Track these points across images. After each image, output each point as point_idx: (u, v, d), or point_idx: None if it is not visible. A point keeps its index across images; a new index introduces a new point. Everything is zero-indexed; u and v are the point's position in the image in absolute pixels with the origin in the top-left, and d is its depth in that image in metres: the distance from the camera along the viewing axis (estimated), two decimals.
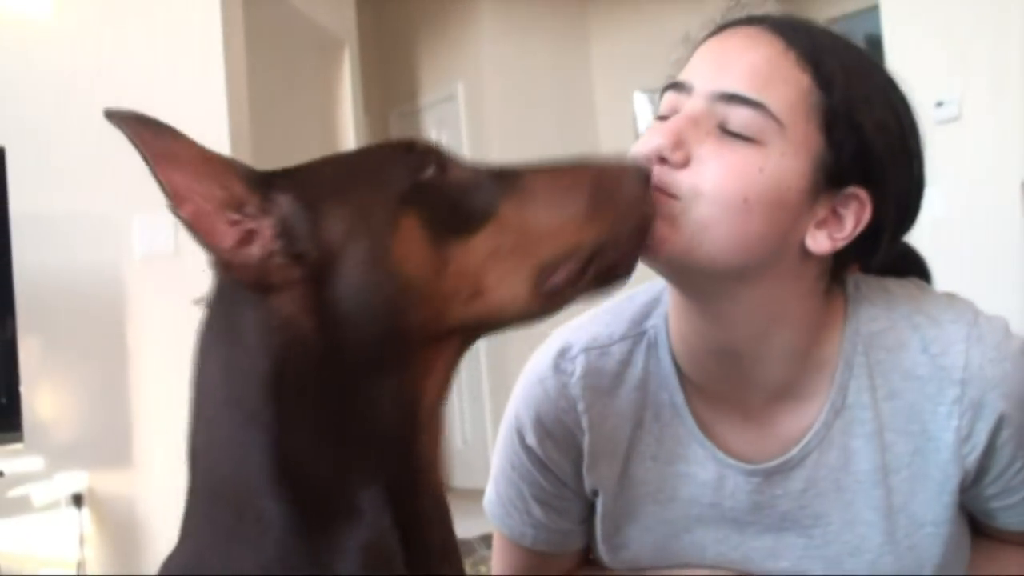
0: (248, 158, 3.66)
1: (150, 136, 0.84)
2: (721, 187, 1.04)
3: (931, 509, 1.18)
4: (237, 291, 0.87)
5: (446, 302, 0.88)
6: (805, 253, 1.10)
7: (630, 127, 6.61)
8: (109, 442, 3.35)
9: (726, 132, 1.06)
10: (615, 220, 0.96)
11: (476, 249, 0.89)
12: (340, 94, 5.48)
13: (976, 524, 1.26)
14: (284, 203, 0.87)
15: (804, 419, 1.19)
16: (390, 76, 7.28)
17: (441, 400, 0.92)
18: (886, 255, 1.16)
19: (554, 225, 0.93)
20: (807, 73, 1.07)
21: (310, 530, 0.84)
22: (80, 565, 3.18)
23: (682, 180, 1.05)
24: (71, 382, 3.34)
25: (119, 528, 3.31)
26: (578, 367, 1.24)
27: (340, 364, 0.85)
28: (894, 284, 1.22)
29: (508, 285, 0.90)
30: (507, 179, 0.94)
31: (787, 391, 1.18)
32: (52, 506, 3.18)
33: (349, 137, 5.37)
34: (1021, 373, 1.14)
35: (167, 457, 3.30)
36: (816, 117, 1.07)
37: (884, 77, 1.15)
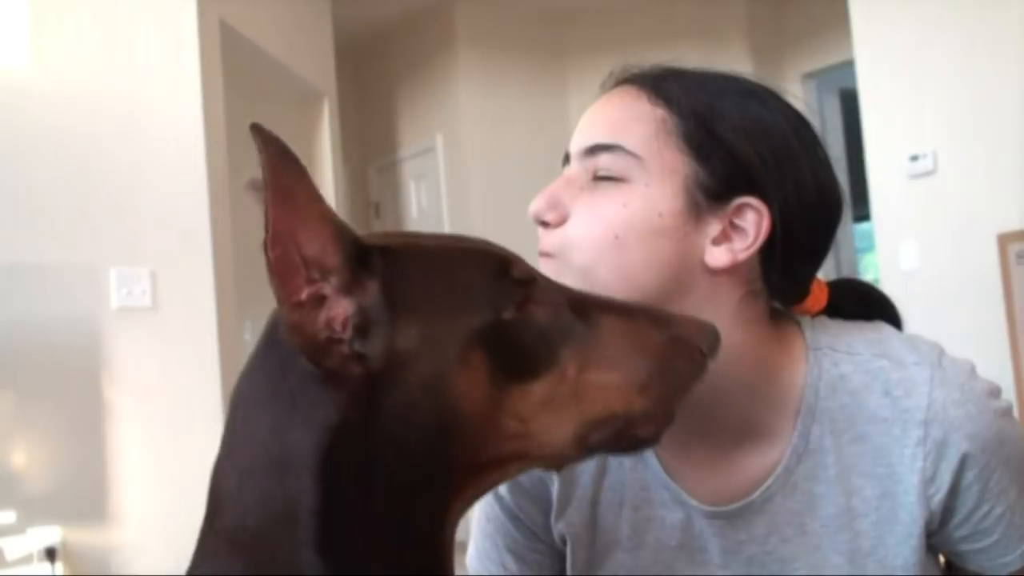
0: (227, 209, 3.67)
1: (281, 167, 0.80)
2: (589, 231, 1.10)
3: (900, 553, 1.18)
4: (293, 363, 0.85)
5: (491, 438, 0.87)
6: (712, 272, 1.11)
7: None
8: (83, 495, 3.32)
9: (595, 179, 1.13)
10: (669, 394, 0.95)
11: (532, 396, 0.88)
12: (319, 146, 5.50)
13: (950, 567, 1.26)
14: (370, 292, 0.85)
15: (767, 462, 1.19)
16: (369, 128, 7.31)
17: (464, 511, 0.93)
18: (812, 267, 1.20)
19: (610, 386, 0.92)
20: (659, 106, 1.13)
21: None
22: None
23: (555, 237, 1.13)
24: (45, 434, 3.31)
25: None
26: None
27: (383, 467, 0.85)
28: (856, 327, 1.23)
29: (553, 434, 0.90)
30: (580, 320, 0.93)
31: (750, 431, 1.19)
32: (25, 560, 3.14)
33: (328, 189, 5.38)
34: (985, 415, 1.15)
35: (142, 511, 3.28)
36: (676, 141, 1.11)
37: (745, 86, 1.18)
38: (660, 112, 1.13)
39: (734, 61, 6.59)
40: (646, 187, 1.10)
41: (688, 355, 0.95)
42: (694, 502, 1.21)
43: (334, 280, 0.84)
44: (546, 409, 0.89)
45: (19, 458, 3.24)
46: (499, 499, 1.28)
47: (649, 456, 1.22)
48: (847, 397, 1.17)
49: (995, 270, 3.80)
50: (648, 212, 1.09)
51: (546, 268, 1.10)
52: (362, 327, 0.84)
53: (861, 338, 1.21)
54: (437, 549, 0.89)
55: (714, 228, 1.11)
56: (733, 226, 1.11)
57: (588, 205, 1.11)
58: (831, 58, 6.05)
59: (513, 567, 1.32)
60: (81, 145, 3.37)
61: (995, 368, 1.12)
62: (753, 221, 1.11)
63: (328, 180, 5.43)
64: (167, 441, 3.27)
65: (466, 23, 6.57)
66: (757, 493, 1.19)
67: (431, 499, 0.87)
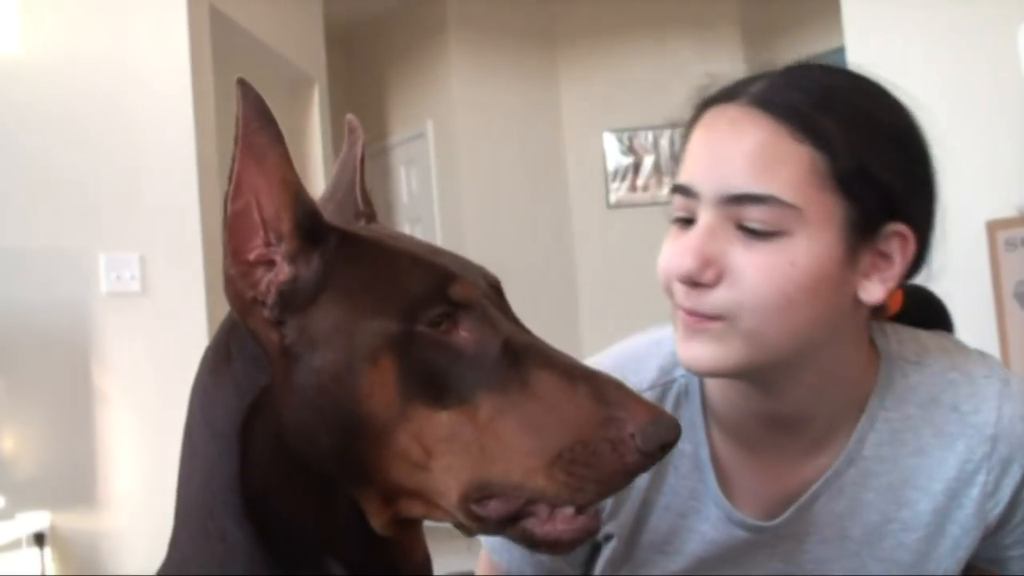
0: (215, 195, 3.66)
1: (257, 125, 0.83)
2: (761, 294, 1.02)
3: (940, 565, 1.19)
4: (239, 324, 0.88)
5: (397, 456, 0.83)
6: (856, 303, 1.08)
7: (599, 167, 6.64)
8: (72, 481, 3.31)
9: (746, 230, 1.03)
10: (583, 485, 0.81)
11: (437, 425, 0.82)
12: (310, 132, 5.49)
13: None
14: (311, 267, 0.86)
15: (821, 466, 1.18)
16: (360, 114, 7.22)
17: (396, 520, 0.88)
18: (915, 274, 1.14)
19: (516, 449, 0.81)
20: (804, 143, 1.03)
21: (276, 562, 0.87)
22: None
23: (720, 298, 1.03)
24: (34, 420, 3.30)
25: (81, 567, 3.26)
26: None
27: (296, 445, 0.86)
28: (927, 337, 1.21)
29: (449, 482, 0.83)
30: (510, 366, 0.83)
31: (816, 438, 1.17)
32: (13, 545, 3.14)
33: (319, 175, 5.37)
34: None
35: (131, 496, 3.28)
36: (829, 183, 1.03)
37: (881, 103, 1.10)
38: (807, 151, 1.02)
39: (725, 48, 6.58)
40: (808, 240, 1.02)
41: (619, 444, 0.80)
42: (742, 516, 1.19)
43: (283, 247, 0.85)
44: (449, 446, 0.82)
45: (8, 443, 3.23)
46: None
47: (706, 467, 1.20)
48: (914, 409, 1.16)
49: (984, 257, 3.80)
50: (815, 267, 1.02)
51: (700, 332, 1.05)
52: (288, 296, 0.85)
53: (930, 348, 1.19)
54: (379, 545, 0.87)
55: (865, 263, 1.06)
56: (879, 254, 1.07)
57: (752, 265, 1.02)
58: (821, 45, 6.04)
59: (544, 557, 1.28)
60: (70, 130, 3.35)
61: (963, 342, 1.14)
62: (898, 247, 1.07)
63: (318, 166, 5.42)
64: (156, 426, 3.26)
65: (457, 9, 6.55)
66: (805, 497, 1.18)
67: (347, 491, 0.86)
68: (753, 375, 1.10)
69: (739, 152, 1.04)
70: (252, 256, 0.85)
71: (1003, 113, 3.36)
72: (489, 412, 0.82)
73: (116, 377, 3.34)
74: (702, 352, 1.05)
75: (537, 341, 0.87)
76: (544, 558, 1.28)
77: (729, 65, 6.00)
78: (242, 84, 0.82)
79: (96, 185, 3.38)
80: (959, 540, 1.18)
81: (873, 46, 4.15)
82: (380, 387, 0.83)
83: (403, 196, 7.04)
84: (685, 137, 1.14)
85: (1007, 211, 3.72)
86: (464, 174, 6.47)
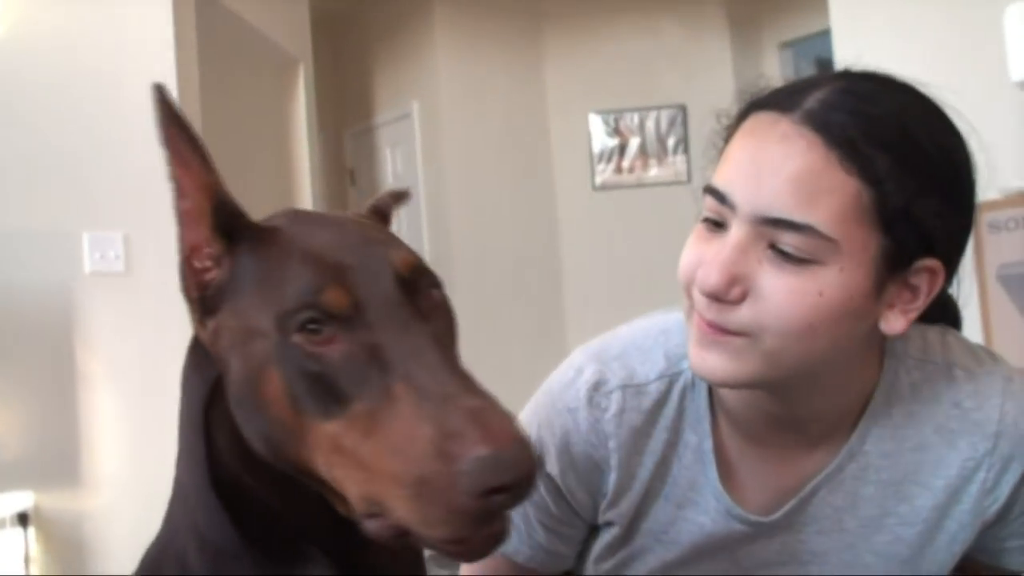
0: None
1: (175, 132, 0.86)
2: (785, 319, 1.01)
3: (936, 560, 1.19)
4: None
5: (314, 461, 0.81)
6: (875, 327, 1.07)
7: (584, 149, 6.63)
8: (56, 461, 3.31)
9: (779, 252, 1.01)
10: (439, 528, 0.74)
11: (324, 436, 0.79)
12: (294, 112, 5.46)
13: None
14: (224, 271, 0.87)
15: (820, 460, 1.18)
16: (345, 95, 7.26)
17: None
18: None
19: (381, 470, 0.76)
20: (853, 175, 0.99)
21: (252, 544, 0.89)
22: None
23: (743, 316, 1.02)
24: (17, 400, 3.29)
25: (65, 547, 3.26)
26: (613, 404, 1.21)
27: (244, 434, 0.86)
28: (931, 333, 1.21)
29: (346, 490, 0.80)
30: (378, 375, 0.78)
31: (818, 433, 1.18)
32: None
33: (303, 156, 5.35)
34: None
35: (115, 476, 3.27)
36: (870, 219, 1.00)
37: (938, 138, 1.06)
38: (854, 184, 0.99)
39: (711, 29, 6.54)
40: (840, 272, 1.00)
41: (453, 482, 0.71)
42: (742, 512, 1.19)
43: (212, 249, 0.87)
44: (339, 458, 0.79)
45: None
46: (545, 476, 1.24)
47: (709, 460, 1.20)
48: (917, 406, 1.16)
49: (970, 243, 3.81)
50: (843, 299, 1.01)
51: (718, 344, 1.05)
52: (207, 300, 0.87)
53: (934, 344, 1.19)
54: (359, 535, 0.82)
55: (890, 294, 1.05)
56: (906, 285, 1.06)
57: (780, 290, 1.01)
58: (808, 27, 6.04)
59: (541, 538, 1.29)
60: (53, 109, 3.33)
61: (967, 338, 1.14)
62: (927, 280, 1.06)
63: (303, 146, 5.40)
64: (140, 406, 3.26)
65: None
66: (805, 491, 1.18)
67: (295, 479, 0.85)
68: (763, 386, 1.10)
69: (785, 174, 1.00)
70: (196, 257, 0.88)
71: (988, 94, 3.37)
72: (364, 425, 0.77)
73: (100, 357, 3.33)
74: (717, 363, 1.05)
75: (416, 349, 0.79)
76: (540, 538, 1.29)
77: (716, 47, 6.00)
78: (157, 90, 0.84)
79: (79, 164, 3.36)
80: (956, 535, 1.18)
81: (859, 29, 4.15)
82: (275, 397, 0.81)
83: (388, 177, 7.02)
84: (727, 134, 1.12)
85: (991, 193, 3.73)
86: (449, 155, 6.46)
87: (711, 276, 1.02)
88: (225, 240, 0.87)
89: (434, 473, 0.72)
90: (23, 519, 3.15)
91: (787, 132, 1.02)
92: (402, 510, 0.75)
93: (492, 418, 0.74)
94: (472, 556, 0.78)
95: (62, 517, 3.27)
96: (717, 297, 1.02)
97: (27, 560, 3.14)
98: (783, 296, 1.00)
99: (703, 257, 1.06)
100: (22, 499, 3.18)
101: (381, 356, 0.79)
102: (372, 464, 0.76)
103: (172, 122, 0.85)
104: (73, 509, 3.28)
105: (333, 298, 0.81)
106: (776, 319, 1.01)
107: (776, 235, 1.00)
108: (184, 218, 0.87)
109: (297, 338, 0.80)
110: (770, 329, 1.01)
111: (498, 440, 0.72)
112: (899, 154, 1.01)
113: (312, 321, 0.80)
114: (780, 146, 1.02)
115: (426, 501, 0.73)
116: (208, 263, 0.87)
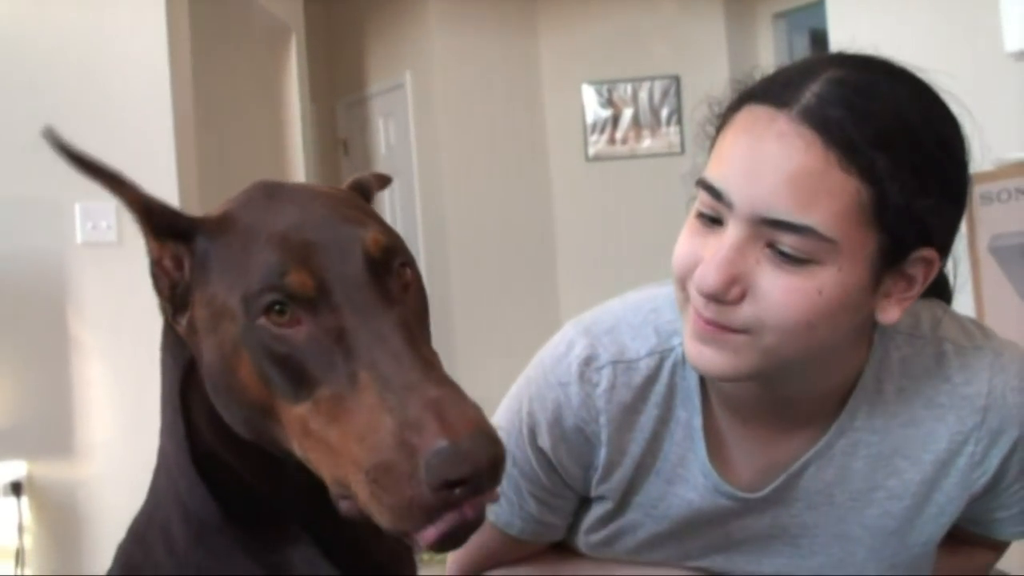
0: (192, 147, 3.63)
1: (88, 170, 0.92)
2: (784, 317, 1.01)
3: (924, 532, 1.20)
4: None
5: (289, 442, 0.82)
6: (870, 316, 1.09)
7: (578, 119, 6.61)
8: (49, 430, 3.31)
9: (777, 251, 1.01)
10: (386, 515, 0.75)
11: (295, 419, 0.80)
12: (287, 82, 5.44)
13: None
14: (185, 267, 0.90)
15: (810, 436, 1.19)
16: (338, 65, 7.24)
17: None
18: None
19: (344, 453, 0.77)
20: (853, 175, 0.99)
21: (232, 518, 0.92)
22: (19, 554, 3.14)
23: (743, 315, 1.03)
24: (9, 369, 3.28)
25: (59, 517, 3.27)
26: (604, 379, 1.21)
27: (220, 415, 0.88)
28: (921, 307, 1.21)
29: (320, 471, 0.81)
30: (344, 361, 0.79)
31: (806, 412, 1.18)
32: None
33: (296, 126, 5.33)
34: None
35: (109, 445, 3.27)
36: (869, 217, 1.00)
37: (937, 132, 1.05)
38: (854, 184, 0.99)
39: (705, 0, 6.45)
40: (839, 271, 1.00)
41: (411, 473, 0.72)
42: (730, 488, 1.20)
43: (166, 251, 0.90)
44: (309, 441, 0.80)
45: None
46: (537, 449, 1.25)
47: (698, 437, 1.20)
48: (906, 381, 1.17)
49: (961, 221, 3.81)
50: (842, 296, 1.01)
51: (716, 340, 1.05)
52: (177, 298, 0.90)
53: (924, 319, 1.20)
54: (329, 515, 0.84)
55: (887, 285, 1.06)
56: (902, 275, 1.06)
57: (779, 289, 1.01)
58: (801, 1, 6.02)
59: (533, 509, 1.30)
60: (44, 79, 3.31)
61: (959, 311, 1.14)
62: (922, 270, 1.06)
63: (295, 117, 5.38)
64: (132, 375, 3.25)
65: None
66: (795, 467, 1.19)
67: (279, 459, 0.86)
68: (760, 378, 1.11)
69: (783, 174, 0.99)
70: (161, 261, 0.91)
71: (983, 64, 3.36)
72: (329, 410, 0.78)
73: (92, 327, 3.33)
74: (714, 359, 1.06)
75: (381, 335, 0.80)
76: (532, 510, 1.30)
77: (709, 18, 5.97)
78: (49, 135, 0.94)
79: (71, 133, 3.33)
80: (944, 507, 1.19)
81: (852, 5, 4.14)
82: (248, 379, 0.82)
83: (381, 147, 7.01)
84: (720, 123, 1.11)
85: (984, 165, 3.73)
86: (442, 126, 6.43)
87: (709, 277, 1.02)
88: (178, 241, 0.89)
89: (393, 463, 0.73)
90: (16, 488, 3.15)
91: (784, 130, 1.01)
92: (363, 496, 0.75)
93: (452, 409, 0.74)
94: (440, 547, 0.77)
95: (55, 486, 3.27)
96: (716, 298, 1.03)
97: (21, 529, 3.15)
98: (782, 295, 1.01)
99: (699, 254, 1.05)
100: (15, 468, 3.18)
101: (346, 341, 0.79)
102: (338, 448, 0.77)
103: (75, 161, 0.91)
104: (66, 478, 3.29)
105: (297, 280, 0.81)
106: (776, 317, 1.01)
107: (775, 235, 1.00)
108: (140, 229, 0.90)
109: (263, 320, 0.80)
110: (770, 327, 1.02)
111: (457, 432, 0.72)
112: (898, 153, 1.00)
113: (277, 303, 0.80)
114: (777, 145, 1.01)
115: (385, 490, 0.73)
116: (170, 263, 0.90)
